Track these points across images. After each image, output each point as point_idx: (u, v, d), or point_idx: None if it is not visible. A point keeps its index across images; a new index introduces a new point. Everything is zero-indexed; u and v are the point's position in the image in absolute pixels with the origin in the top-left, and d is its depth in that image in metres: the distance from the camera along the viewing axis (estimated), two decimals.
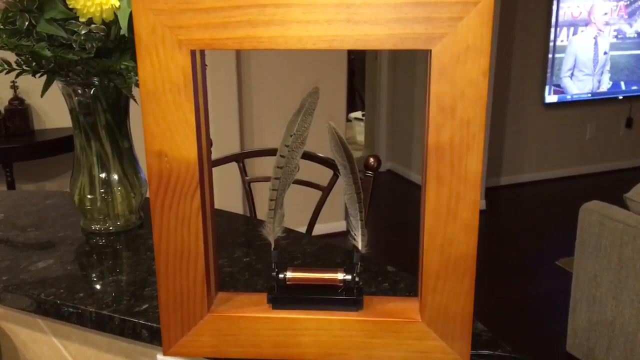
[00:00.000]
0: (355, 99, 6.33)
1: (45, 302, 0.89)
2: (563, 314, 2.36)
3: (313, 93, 0.70)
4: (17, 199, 1.36)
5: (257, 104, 3.27)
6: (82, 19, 0.91)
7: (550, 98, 4.49)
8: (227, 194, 3.13)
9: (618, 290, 2.03)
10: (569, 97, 4.54)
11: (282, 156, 0.71)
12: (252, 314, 0.73)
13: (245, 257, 1.03)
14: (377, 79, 4.89)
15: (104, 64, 0.96)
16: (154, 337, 0.82)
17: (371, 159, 1.41)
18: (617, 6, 4.43)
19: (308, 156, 1.48)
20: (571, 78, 4.49)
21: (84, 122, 1.07)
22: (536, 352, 2.41)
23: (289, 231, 1.12)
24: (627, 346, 2.03)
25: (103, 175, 1.10)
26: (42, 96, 1.01)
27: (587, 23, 4.40)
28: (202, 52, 0.68)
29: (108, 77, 1.01)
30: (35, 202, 1.32)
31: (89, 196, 1.10)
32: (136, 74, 0.92)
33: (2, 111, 2.79)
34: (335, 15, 0.61)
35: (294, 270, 0.75)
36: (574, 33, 4.40)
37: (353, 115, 5.88)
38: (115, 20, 0.92)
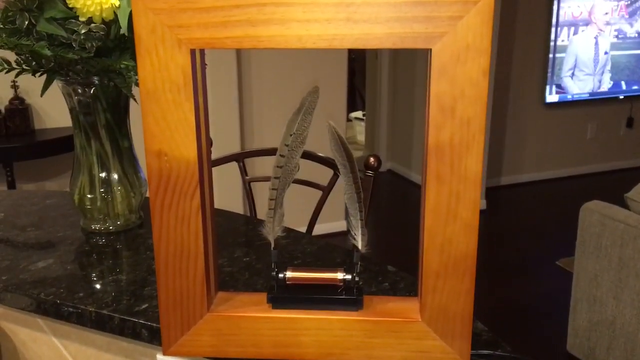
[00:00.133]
0: (355, 99, 6.33)
1: (45, 302, 0.89)
2: (563, 314, 2.36)
3: (313, 92, 0.70)
4: (17, 199, 1.36)
5: (258, 104, 3.27)
6: (82, 18, 0.91)
7: (551, 98, 4.49)
8: (228, 193, 3.13)
9: (619, 290, 2.03)
10: (569, 96, 4.54)
11: (282, 155, 0.71)
12: (252, 314, 0.73)
13: (245, 256, 1.03)
14: (378, 79, 4.88)
15: (104, 63, 0.95)
16: (154, 337, 0.82)
17: (371, 159, 1.41)
18: (617, 6, 4.43)
19: (308, 156, 1.48)
20: (572, 78, 4.49)
21: (84, 122, 1.07)
22: (537, 352, 2.41)
23: (289, 231, 1.12)
24: (627, 346, 2.02)
25: (103, 174, 1.10)
26: (42, 95, 1.01)
27: (587, 23, 4.40)
28: (202, 52, 0.68)
29: (108, 77, 1.01)
30: (35, 201, 1.32)
31: (88, 196, 1.10)
32: (136, 73, 0.92)
33: (3, 111, 2.79)
34: (335, 14, 0.61)
35: (293, 270, 0.75)
36: (575, 33, 4.39)
37: (353, 114, 5.87)
38: (115, 20, 0.92)
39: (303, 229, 1.32)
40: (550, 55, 4.38)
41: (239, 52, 3.09)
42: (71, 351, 0.96)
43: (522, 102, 4.51)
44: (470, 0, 0.59)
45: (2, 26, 0.92)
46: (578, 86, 4.53)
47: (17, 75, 0.99)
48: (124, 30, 0.92)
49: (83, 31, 0.91)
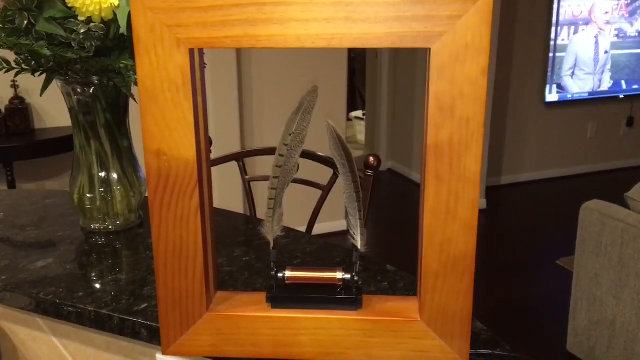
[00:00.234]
0: (355, 98, 6.33)
1: (44, 302, 0.89)
2: (563, 313, 2.36)
3: (312, 92, 0.69)
4: (17, 198, 1.36)
5: (258, 103, 3.27)
6: (81, 18, 0.91)
7: (551, 97, 4.49)
8: (228, 193, 3.13)
9: (619, 289, 2.03)
10: (569, 96, 4.54)
11: (281, 155, 0.71)
12: (251, 313, 0.73)
13: (245, 256, 1.03)
14: (378, 78, 4.88)
15: (103, 62, 0.95)
16: (153, 337, 0.82)
17: (371, 158, 1.41)
18: (618, 5, 4.43)
19: (308, 155, 1.48)
20: (572, 77, 4.49)
21: (83, 121, 1.07)
22: (537, 352, 2.41)
23: (288, 230, 1.12)
24: (627, 345, 2.02)
25: (102, 174, 1.10)
26: (41, 95, 1.01)
27: (587, 22, 4.40)
28: (201, 51, 0.68)
29: (107, 76, 1.00)
30: (35, 201, 1.32)
31: (88, 195, 1.10)
32: (135, 73, 0.92)
33: (3, 110, 2.79)
34: (334, 14, 0.61)
35: (293, 270, 0.75)
36: (575, 32, 4.39)
37: (354, 114, 5.87)
38: (115, 19, 0.92)
39: (303, 229, 1.32)
40: (551, 55, 4.38)
41: (239, 51, 3.09)
42: (71, 351, 0.96)
43: (522, 101, 4.51)
44: None
45: (1, 26, 0.92)
46: (578, 85, 4.52)
47: (16, 74, 0.99)
48: (123, 29, 0.92)
49: (82, 31, 0.91)
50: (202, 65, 0.70)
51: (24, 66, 0.98)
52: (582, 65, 4.47)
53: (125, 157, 1.12)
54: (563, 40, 4.37)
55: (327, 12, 0.61)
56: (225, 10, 0.62)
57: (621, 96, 4.72)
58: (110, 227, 1.13)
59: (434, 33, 0.61)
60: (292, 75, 3.26)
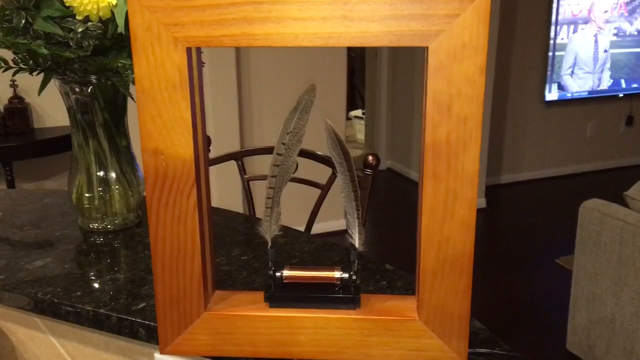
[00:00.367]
0: (355, 98, 6.33)
1: (42, 301, 0.89)
2: (563, 312, 2.36)
3: (309, 90, 0.69)
4: (16, 198, 1.36)
5: (257, 103, 3.27)
6: (78, 17, 0.91)
7: (551, 96, 4.49)
8: (227, 192, 3.13)
9: (618, 288, 2.03)
10: (569, 95, 4.54)
11: (278, 154, 0.71)
12: (248, 313, 0.73)
13: (243, 255, 1.03)
14: (377, 77, 4.88)
15: (101, 61, 0.95)
16: (151, 336, 0.82)
17: (370, 157, 1.41)
18: (617, 4, 4.42)
19: (307, 154, 1.48)
20: (571, 76, 4.49)
21: (81, 121, 1.07)
22: (536, 351, 2.41)
23: (287, 229, 1.12)
24: (627, 344, 2.02)
25: (101, 173, 1.10)
26: (39, 94, 1.01)
27: (587, 21, 4.40)
28: (198, 50, 0.68)
29: (105, 75, 1.00)
30: (34, 200, 1.32)
31: (86, 194, 1.10)
32: (133, 72, 0.92)
33: (2, 110, 2.79)
34: (332, 12, 0.61)
35: (291, 269, 0.75)
36: (574, 31, 4.39)
37: (353, 113, 5.87)
38: (112, 18, 0.92)
39: (302, 228, 1.32)
40: (550, 54, 4.38)
41: (238, 50, 3.09)
42: (69, 350, 0.96)
43: (521, 100, 4.51)
44: None
45: None
46: (578, 84, 4.52)
47: (14, 74, 0.99)
48: (121, 28, 0.91)
49: (80, 30, 0.91)
50: (200, 64, 0.70)
51: (21, 65, 0.98)
52: (581, 64, 4.47)
53: (124, 156, 1.12)
54: (562, 39, 4.37)
55: (324, 10, 0.61)
56: (222, 8, 0.61)
57: (620, 95, 4.72)
58: (108, 226, 1.12)
59: (431, 32, 0.60)
60: (291, 75, 3.26)
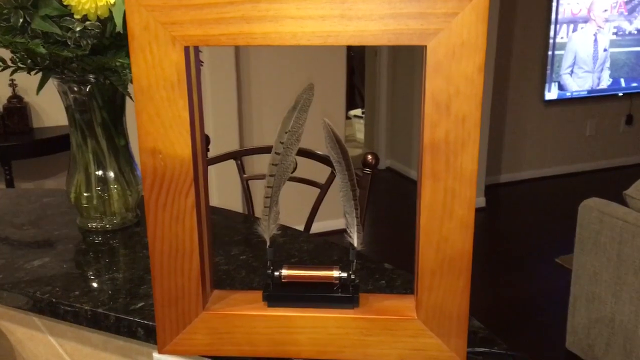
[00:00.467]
0: (355, 97, 6.32)
1: (41, 301, 0.89)
2: (562, 311, 2.36)
3: (308, 89, 0.69)
4: (14, 197, 1.36)
5: (257, 102, 3.27)
6: (76, 16, 0.91)
7: (550, 95, 4.49)
8: (227, 191, 3.13)
9: (617, 287, 2.02)
10: (568, 94, 4.54)
11: (277, 153, 0.70)
12: (247, 312, 0.73)
13: (242, 254, 1.03)
14: (377, 77, 4.88)
15: (99, 61, 0.95)
16: (150, 336, 0.82)
17: (369, 156, 1.40)
18: (616, 3, 4.42)
19: (306, 154, 1.48)
20: (571, 75, 4.49)
21: (80, 120, 1.07)
22: (535, 350, 2.41)
23: (286, 229, 1.12)
24: (626, 343, 2.02)
25: (99, 172, 1.10)
26: (37, 93, 1.01)
27: (586, 20, 4.39)
28: (196, 49, 0.68)
29: (104, 74, 1.00)
30: (33, 200, 1.32)
31: (85, 194, 1.10)
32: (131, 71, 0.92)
33: (1, 109, 2.79)
34: (330, 11, 0.61)
35: (289, 268, 0.75)
36: (574, 30, 4.39)
37: (353, 112, 5.87)
38: (111, 17, 0.92)
39: (301, 227, 1.32)
40: (550, 53, 4.38)
41: (237, 50, 3.09)
42: (67, 350, 0.96)
43: (521, 99, 4.51)
44: None
45: None
46: (577, 83, 4.52)
47: (12, 73, 0.99)
48: (119, 27, 0.91)
49: (78, 29, 0.91)
50: (198, 63, 0.70)
51: (20, 64, 0.98)
52: (581, 63, 4.47)
53: (122, 155, 1.12)
54: (562, 38, 4.37)
55: (322, 9, 0.61)
56: (220, 7, 0.61)
57: (620, 94, 4.72)
58: (107, 225, 1.12)
59: (429, 30, 0.60)
60: (291, 74, 3.26)
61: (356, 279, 0.74)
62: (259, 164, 3.02)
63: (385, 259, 1.00)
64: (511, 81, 4.43)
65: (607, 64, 4.56)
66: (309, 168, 1.46)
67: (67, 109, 1.07)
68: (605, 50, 4.51)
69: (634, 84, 4.71)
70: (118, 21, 0.91)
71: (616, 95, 4.71)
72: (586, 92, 4.58)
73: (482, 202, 4.05)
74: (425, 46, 0.61)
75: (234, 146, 3.10)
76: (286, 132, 0.70)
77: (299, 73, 3.27)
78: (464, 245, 0.67)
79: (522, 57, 4.41)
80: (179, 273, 0.71)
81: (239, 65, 3.14)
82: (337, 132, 0.69)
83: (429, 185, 0.65)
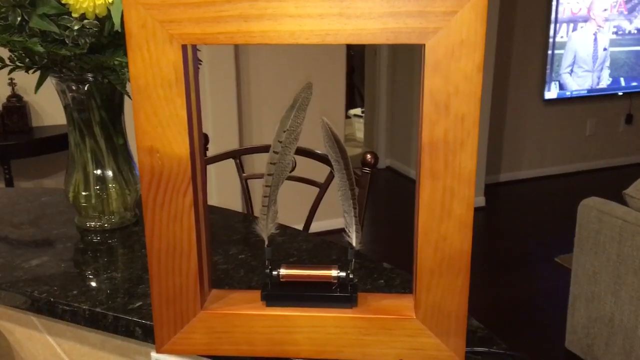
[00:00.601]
0: (354, 96, 6.32)
1: (39, 300, 0.89)
2: (562, 311, 2.36)
3: (306, 88, 0.69)
4: (13, 196, 1.35)
5: (256, 101, 3.26)
6: (74, 15, 0.90)
7: (550, 94, 4.48)
8: (226, 191, 3.13)
9: (617, 286, 2.02)
10: (568, 93, 4.53)
11: (275, 152, 0.70)
12: (245, 312, 0.73)
13: (241, 254, 1.03)
14: (377, 76, 4.87)
15: (98, 59, 0.95)
16: (148, 335, 0.82)
17: (368, 156, 1.40)
18: (616, 2, 4.42)
19: (305, 153, 1.48)
20: (571, 74, 4.48)
21: (78, 119, 1.07)
22: (535, 349, 2.41)
23: (285, 228, 1.11)
24: (626, 342, 2.02)
25: (97, 172, 1.09)
26: (35, 92, 1.01)
27: (586, 19, 4.39)
28: (194, 47, 0.68)
29: (102, 73, 1.00)
30: (31, 199, 1.32)
31: (83, 193, 1.10)
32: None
33: (0, 108, 2.78)
34: (328, 10, 0.60)
35: (287, 267, 0.75)
36: (574, 29, 4.38)
37: (352, 112, 5.87)
38: (109, 16, 0.92)
39: (300, 226, 1.32)
40: (549, 52, 4.38)
41: (237, 48, 3.09)
42: (65, 349, 0.96)
43: (521, 98, 4.51)
44: None
45: None
46: (577, 83, 4.52)
47: (10, 71, 0.99)
48: (117, 26, 0.91)
49: (76, 27, 0.91)
50: (196, 62, 0.69)
51: (18, 63, 0.97)
52: (580, 62, 4.47)
53: (121, 154, 1.11)
54: (562, 37, 4.37)
55: (320, 7, 0.60)
56: (218, 5, 0.61)
57: (620, 93, 4.72)
58: (105, 225, 1.12)
59: (428, 29, 0.60)
60: (290, 73, 3.26)
61: (355, 278, 0.74)
62: (259, 163, 3.02)
63: (384, 258, 0.99)
64: (511, 80, 4.43)
65: (607, 64, 4.55)
66: (307, 167, 1.46)
67: (66, 107, 1.07)
68: (605, 49, 4.50)
69: (634, 84, 4.70)
70: (116, 20, 0.90)
71: (616, 94, 4.71)
72: (586, 92, 4.57)
73: (481, 201, 4.05)
74: (424, 45, 0.61)
75: (234, 145, 3.09)
76: (285, 131, 0.70)
77: (298, 72, 3.26)
78: (463, 245, 0.67)
79: (522, 57, 4.41)
80: (177, 272, 0.71)
81: (239, 64, 3.14)
82: (335, 131, 0.69)
83: (428, 185, 0.65)
